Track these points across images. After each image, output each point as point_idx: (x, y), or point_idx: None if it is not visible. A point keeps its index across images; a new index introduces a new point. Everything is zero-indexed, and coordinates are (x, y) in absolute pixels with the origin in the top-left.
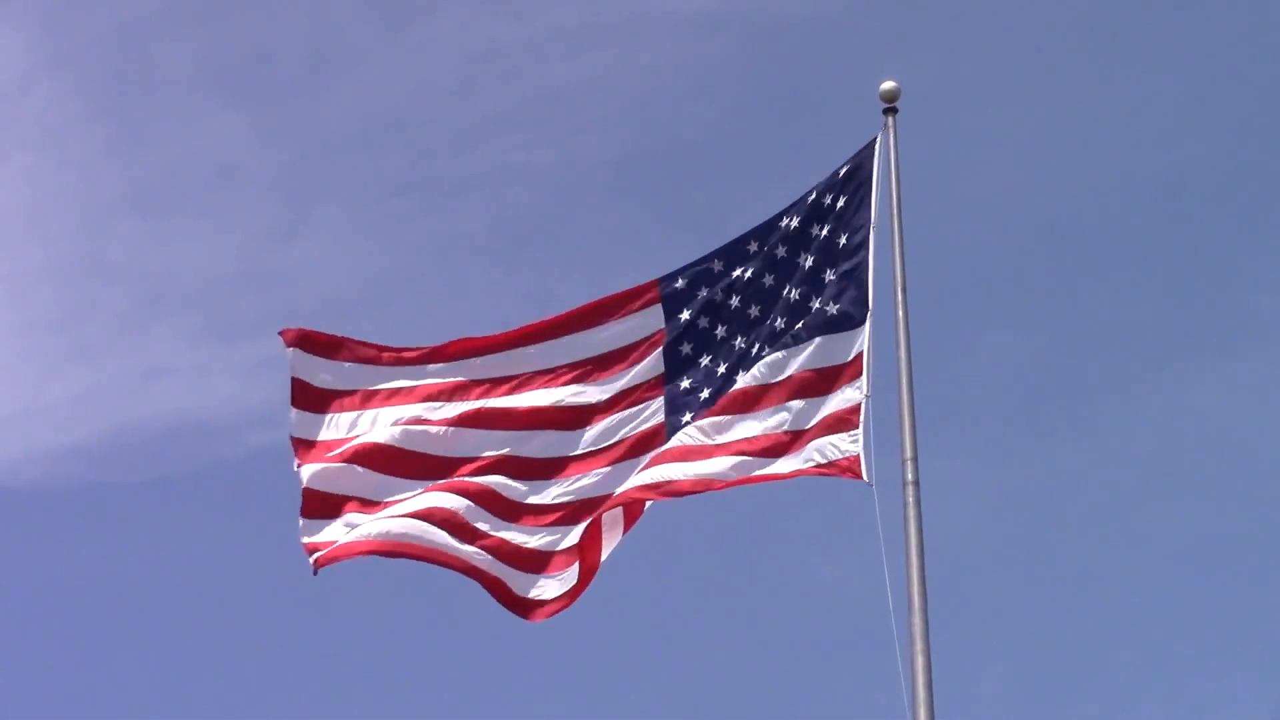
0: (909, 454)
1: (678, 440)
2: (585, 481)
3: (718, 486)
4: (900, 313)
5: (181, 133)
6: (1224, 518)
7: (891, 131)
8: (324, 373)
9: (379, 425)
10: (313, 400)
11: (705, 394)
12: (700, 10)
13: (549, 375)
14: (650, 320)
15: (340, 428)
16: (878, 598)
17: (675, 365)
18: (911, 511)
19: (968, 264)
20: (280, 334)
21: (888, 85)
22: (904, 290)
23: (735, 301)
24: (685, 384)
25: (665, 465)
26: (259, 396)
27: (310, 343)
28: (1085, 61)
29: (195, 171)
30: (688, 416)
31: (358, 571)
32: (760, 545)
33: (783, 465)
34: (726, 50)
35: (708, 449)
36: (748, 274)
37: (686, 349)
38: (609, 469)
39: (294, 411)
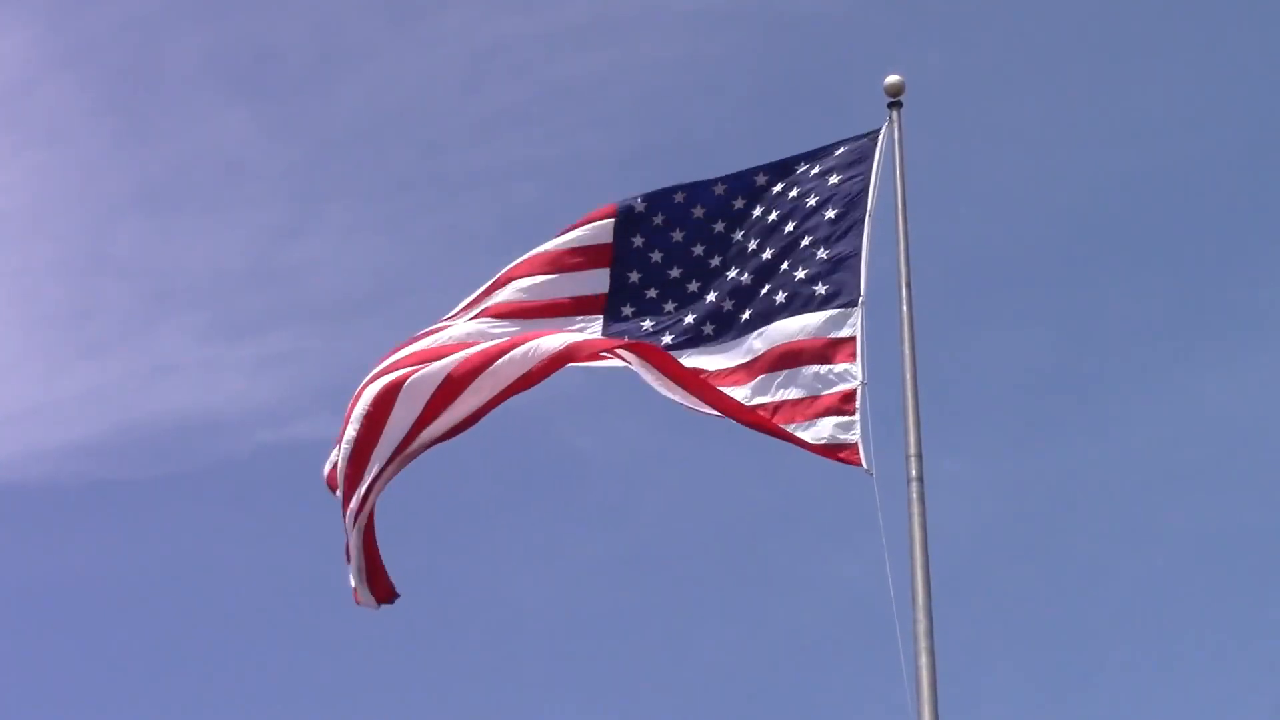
0: (913, 450)
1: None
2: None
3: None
4: (905, 308)
5: (188, 129)
6: (1232, 513)
7: (896, 125)
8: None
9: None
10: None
11: (648, 324)
12: (709, 6)
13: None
14: (601, 232)
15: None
16: (884, 594)
17: (620, 290)
18: (916, 508)
19: (975, 259)
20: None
21: (892, 79)
22: (909, 286)
23: (699, 250)
24: (628, 310)
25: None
26: (266, 393)
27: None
28: (1093, 56)
29: (202, 168)
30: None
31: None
32: (767, 541)
33: (780, 413)
34: (735, 46)
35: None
36: (719, 225)
37: (635, 277)
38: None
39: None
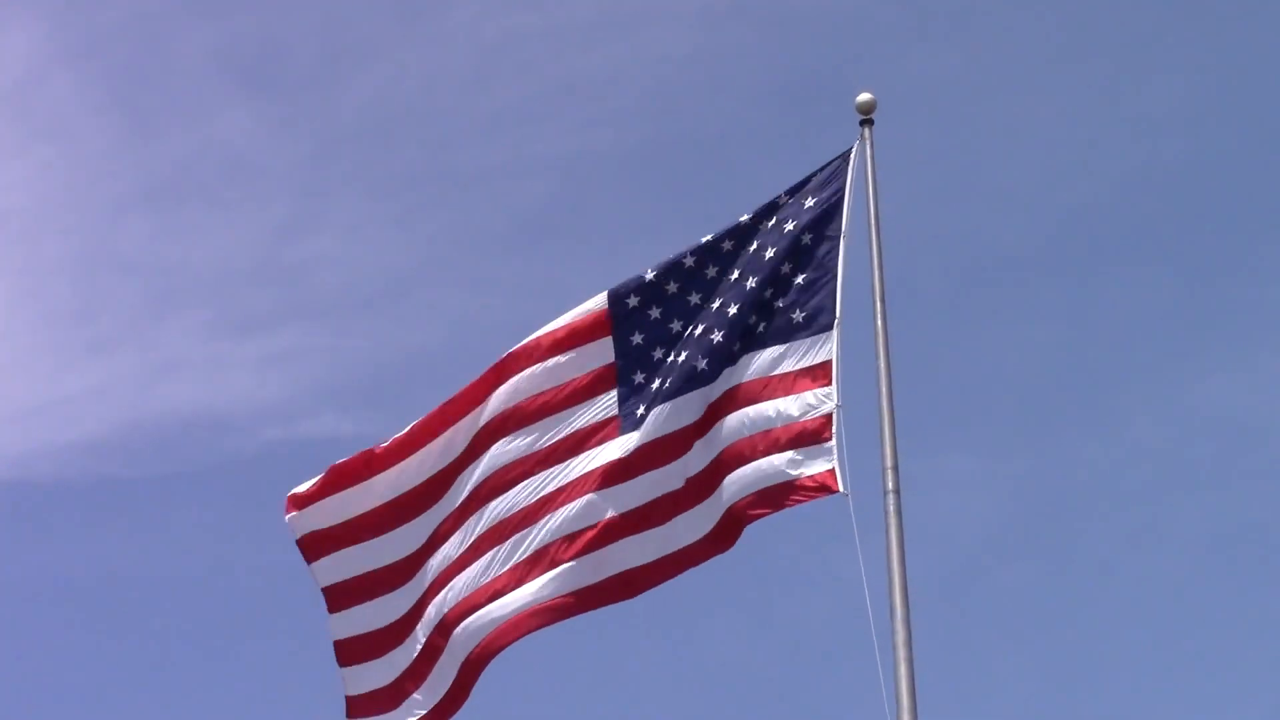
0: (889, 463)
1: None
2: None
3: (690, 563)
4: (879, 323)
5: (194, 125)
6: (1238, 512)
7: (868, 143)
8: (319, 518)
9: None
10: (323, 546)
11: (658, 383)
12: (717, 1)
13: (504, 421)
14: (601, 351)
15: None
16: (880, 597)
17: (626, 358)
18: (893, 520)
19: (980, 255)
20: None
21: (864, 97)
22: (883, 300)
23: (696, 298)
24: (639, 377)
25: (619, 543)
26: (273, 390)
27: (304, 500)
28: (1097, 52)
29: (210, 164)
30: (641, 409)
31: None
32: (765, 542)
33: (750, 486)
34: (744, 41)
35: (676, 498)
36: (714, 270)
37: (638, 339)
38: (578, 502)
39: (313, 567)
